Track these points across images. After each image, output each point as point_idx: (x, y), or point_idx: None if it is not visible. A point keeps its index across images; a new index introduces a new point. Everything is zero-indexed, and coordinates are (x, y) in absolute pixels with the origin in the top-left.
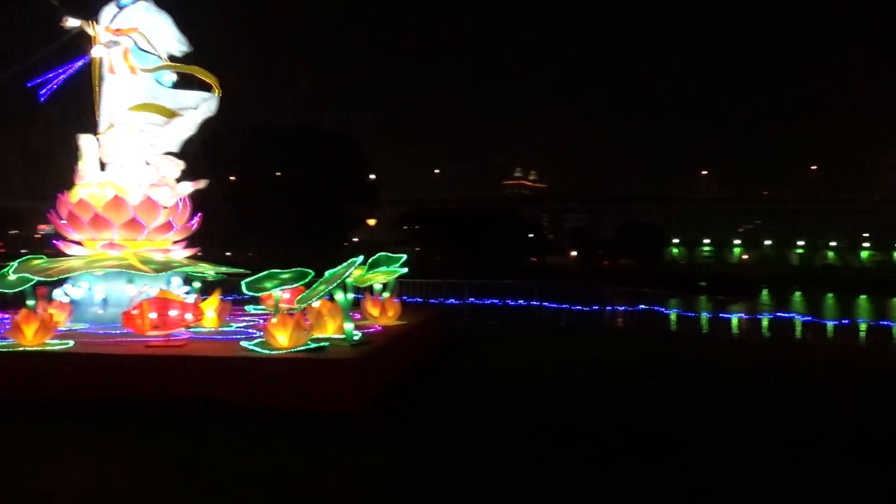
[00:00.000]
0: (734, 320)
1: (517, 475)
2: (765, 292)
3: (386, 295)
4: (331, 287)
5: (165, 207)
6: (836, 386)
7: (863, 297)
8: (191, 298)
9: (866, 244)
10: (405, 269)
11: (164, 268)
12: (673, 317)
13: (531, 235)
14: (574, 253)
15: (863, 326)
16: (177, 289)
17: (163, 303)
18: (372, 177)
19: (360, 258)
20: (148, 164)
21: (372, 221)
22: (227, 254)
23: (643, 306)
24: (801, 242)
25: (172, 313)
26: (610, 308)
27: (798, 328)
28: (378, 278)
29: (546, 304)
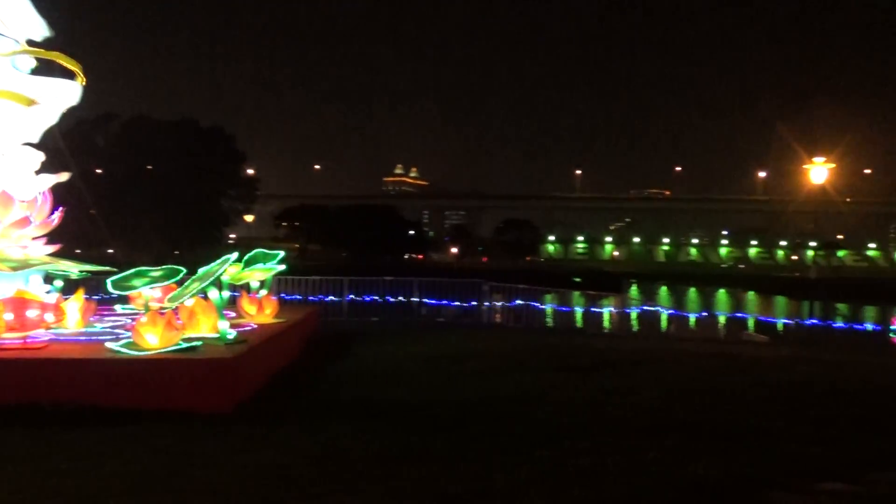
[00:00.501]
0: (605, 314)
1: (393, 471)
2: (634, 287)
3: (263, 292)
4: (204, 284)
5: (23, 201)
6: (699, 374)
7: (722, 290)
8: (52, 298)
9: (724, 241)
10: (283, 266)
11: (22, 266)
12: (548, 311)
13: (412, 232)
14: (454, 249)
15: (721, 318)
16: (36, 288)
17: (20, 303)
18: (250, 171)
19: (235, 255)
20: (2, 155)
21: (250, 217)
22: (80, 250)
23: (519, 301)
24: (666, 240)
25: (31, 314)
26: (488, 304)
27: (663, 320)
28: (255, 275)
29: (426, 300)
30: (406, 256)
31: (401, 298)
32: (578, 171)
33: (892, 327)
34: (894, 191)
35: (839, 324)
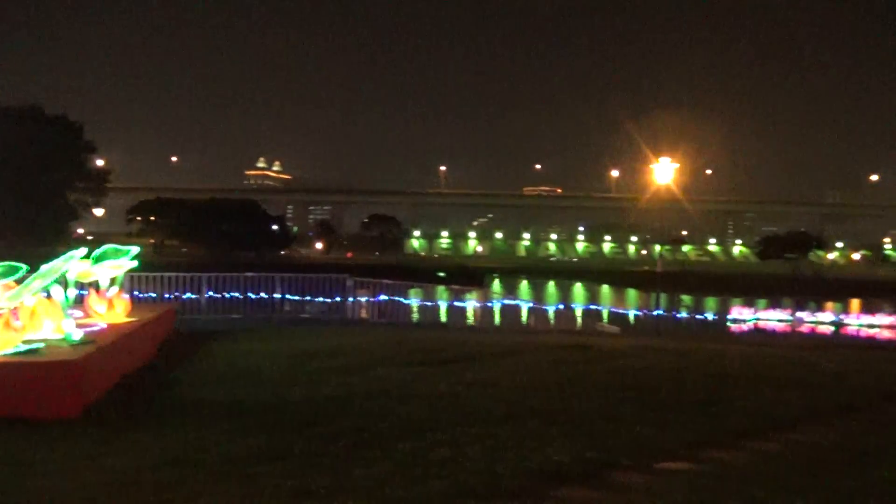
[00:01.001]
0: (469, 308)
1: (251, 471)
2: (496, 281)
3: (114, 290)
4: (47, 282)
5: None
6: (556, 364)
7: (578, 283)
8: None
9: (581, 237)
10: (135, 263)
11: None
12: (413, 306)
13: (275, 227)
14: (319, 245)
15: (577, 311)
16: None
17: None
18: (100, 162)
19: (81, 250)
20: None
21: (100, 211)
22: None
23: (384, 297)
24: (527, 235)
25: None
26: (353, 299)
27: (523, 313)
28: (105, 272)
29: (289, 296)
30: (284, 252)
31: (263, 295)
32: (443, 168)
33: (728, 317)
34: (732, 190)
35: (683, 314)
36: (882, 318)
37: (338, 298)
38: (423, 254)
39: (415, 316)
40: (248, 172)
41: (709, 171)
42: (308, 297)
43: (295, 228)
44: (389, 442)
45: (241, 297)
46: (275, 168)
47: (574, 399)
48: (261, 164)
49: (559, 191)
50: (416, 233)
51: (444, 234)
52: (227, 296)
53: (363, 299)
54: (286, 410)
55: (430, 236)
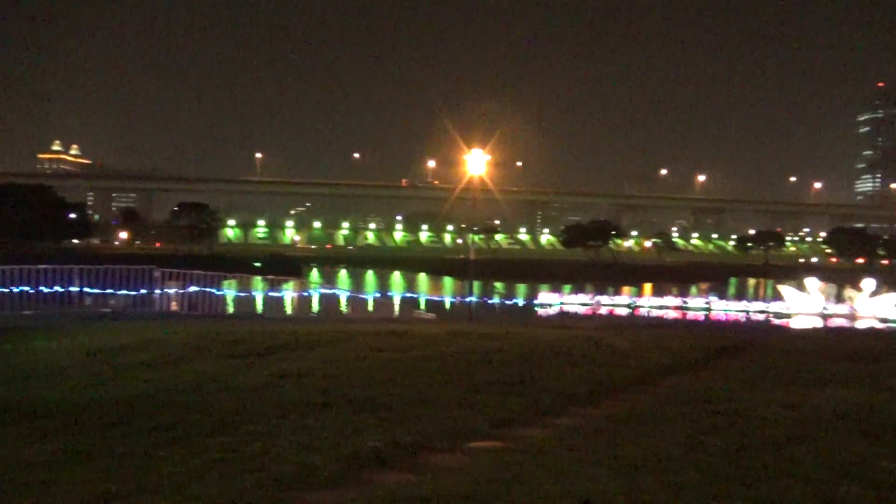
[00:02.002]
0: (286, 298)
1: (49, 476)
2: (314, 271)
3: None
4: None
5: None
6: (372, 352)
7: (397, 272)
8: None
9: (399, 227)
10: None
11: None
12: (228, 298)
13: (73, 215)
14: (124, 234)
15: (395, 299)
16: None
17: None
18: None
19: None
20: None
21: None
22: None
23: (195, 288)
24: (346, 224)
25: None
26: (160, 291)
27: (342, 302)
28: None
29: (88, 289)
30: (72, 242)
31: (58, 288)
32: (259, 155)
33: (536, 302)
34: (540, 181)
35: (496, 300)
36: (669, 300)
37: (143, 291)
38: (238, 243)
39: (229, 307)
40: (41, 156)
41: (519, 164)
42: (111, 290)
43: (96, 216)
44: (200, 438)
45: (34, 291)
46: (72, 152)
47: (390, 385)
48: (56, 147)
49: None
50: (231, 222)
51: (261, 223)
52: (17, 290)
53: (172, 291)
54: (88, 410)
55: (246, 225)
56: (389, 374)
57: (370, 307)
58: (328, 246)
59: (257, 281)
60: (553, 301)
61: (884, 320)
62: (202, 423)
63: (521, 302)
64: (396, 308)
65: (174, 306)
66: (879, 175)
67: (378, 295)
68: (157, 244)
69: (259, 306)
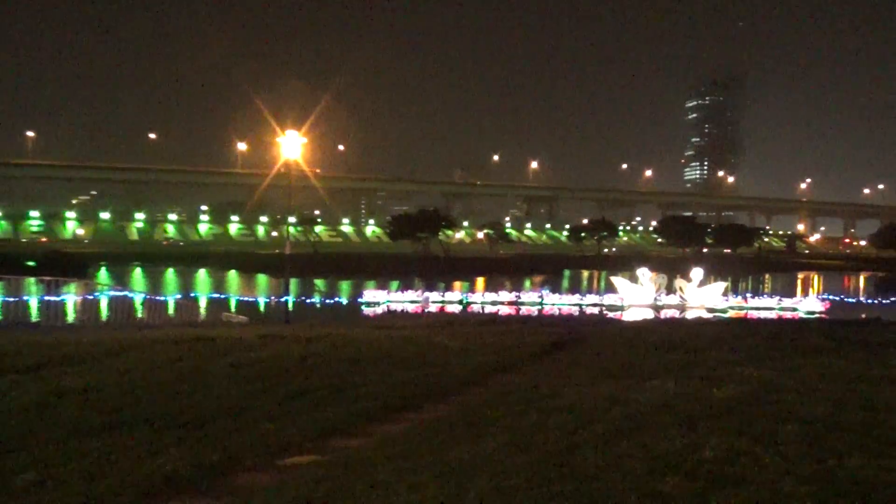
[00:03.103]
0: (68, 303)
1: None
2: (102, 270)
3: None
4: None
5: None
6: (173, 362)
7: (202, 270)
8: None
9: (205, 217)
10: None
11: None
12: None
13: None
14: None
15: (201, 301)
16: None
17: None
18: None
19: None
20: None
21: None
22: None
23: None
24: (141, 216)
25: None
26: None
27: (137, 306)
28: None
29: None
30: None
31: None
32: (31, 134)
33: (361, 300)
34: (363, 168)
35: (316, 299)
36: (503, 295)
37: None
38: (5, 239)
39: None
40: None
41: (341, 147)
42: None
43: None
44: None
45: None
46: None
47: (193, 398)
48: None
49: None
50: None
51: (35, 214)
52: None
53: None
54: None
55: (16, 217)
56: (193, 386)
57: (171, 311)
58: (165, 242)
59: (31, 283)
60: (379, 299)
61: (711, 310)
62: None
63: (344, 300)
64: (202, 311)
65: None
66: (707, 162)
67: (180, 297)
68: None
69: (33, 313)
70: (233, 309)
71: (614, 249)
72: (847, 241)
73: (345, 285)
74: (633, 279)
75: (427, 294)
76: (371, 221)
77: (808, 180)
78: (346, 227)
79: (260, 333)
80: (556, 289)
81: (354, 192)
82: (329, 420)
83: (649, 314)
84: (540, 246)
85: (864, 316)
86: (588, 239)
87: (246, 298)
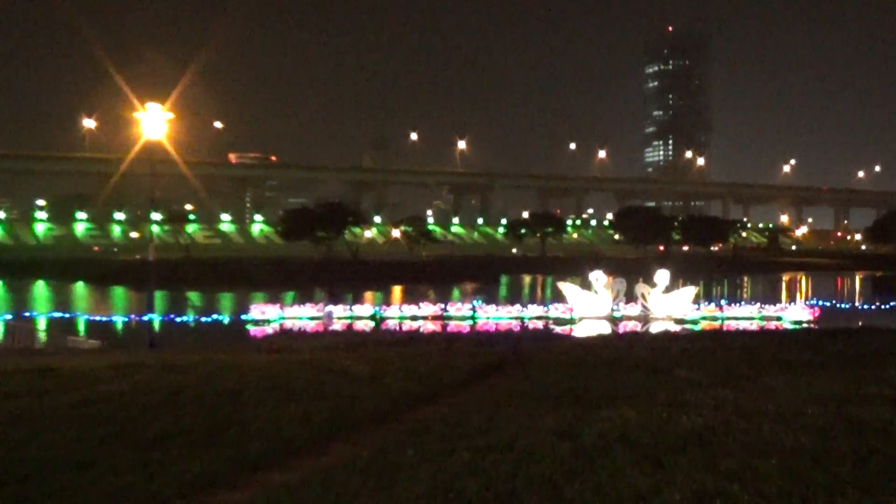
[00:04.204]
0: None
1: None
2: None
3: None
4: None
5: None
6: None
7: (39, 282)
8: None
9: (42, 214)
10: None
11: None
12: None
13: None
14: None
15: (40, 322)
16: None
17: None
18: None
19: None
20: None
21: None
22: None
23: None
24: None
25: None
26: None
27: None
28: None
29: None
30: None
31: None
32: None
33: (247, 317)
34: (251, 152)
35: (189, 317)
36: (426, 308)
37: None
38: None
39: None
40: None
41: (219, 125)
42: None
43: None
44: None
45: None
46: None
47: (24, 448)
48: None
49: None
50: None
51: None
52: None
53: None
54: None
55: None
56: (24, 432)
57: None
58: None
59: None
60: (270, 315)
61: (680, 321)
62: None
63: (225, 318)
64: (41, 335)
65: None
66: (671, 141)
67: (10, 318)
68: None
69: None
70: (81, 332)
71: (560, 254)
72: (839, 234)
73: (226, 299)
74: (586, 285)
75: (330, 308)
76: (258, 218)
77: (793, 162)
78: (227, 225)
79: (116, 362)
80: (491, 299)
81: (237, 181)
82: (204, 470)
83: (605, 328)
84: (471, 246)
85: (860, 323)
86: (530, 236)
87: (98, 318)
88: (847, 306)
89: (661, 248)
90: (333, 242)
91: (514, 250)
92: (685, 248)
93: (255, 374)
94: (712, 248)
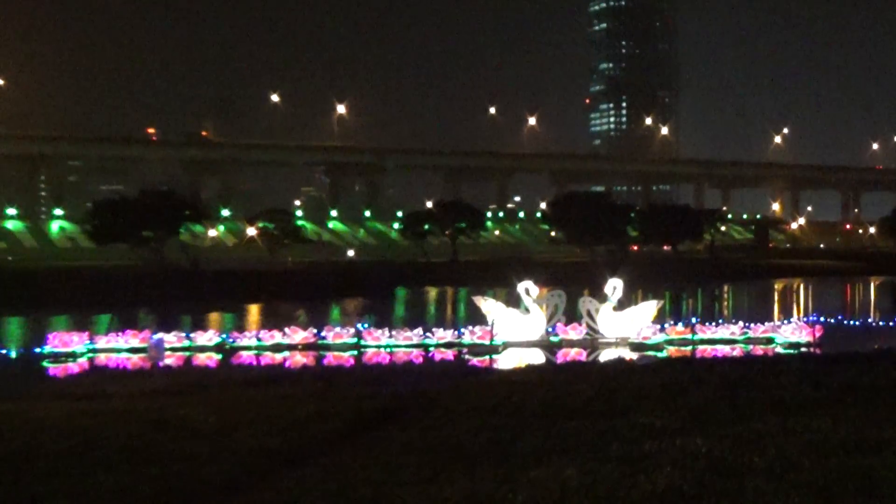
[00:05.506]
0: None
1: None
2: None
3: None
4: None
5: None
6: None
7: None
8: None
9: None
10: None
11: None
12: None
13: None
14: None
15: None
16: None
17: None
18: None
19: None
20: None
21: None
22: None
23: None
24: None
25: None
26: None
27: None
28: None
29: None
30: None
31: None
32: None
33: (41, 350)
34: (49, 124)
35: None
36: (294, 335)
37: None
38: None
39: None
40: None
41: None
42: None
43: None
44: None
45: None
46: None
47: None
48: None
49: None
50: None
51: None
52: None
53: None
54: None
55: None
56: None
57: None
58: None
59: None
60: (76, 347)
61: (639, 347)
62: None
63: (12, 352)
64: None
65: None
66: (625, 104)
67: None
68: None
69: None
70: None
71: (478, 259)
72: (847, 227)
73: (13, 324)
74: (512, 301)
75: (161, 336)
76: (58, 212)
77: (786, 132)
78: (13, 222)
79: None
80: (383, 321)
81: (25, 161)
82: None
83: (538, 357)
84: (353, 246)
85: (876, 346)
86: (436, 234)
87: None
88: (858, 323)
89: (615, 247)
90: (164, 246)
91: (420, 255)
92: (646, 247)
93: (52, 431)
94: (683, 249)
